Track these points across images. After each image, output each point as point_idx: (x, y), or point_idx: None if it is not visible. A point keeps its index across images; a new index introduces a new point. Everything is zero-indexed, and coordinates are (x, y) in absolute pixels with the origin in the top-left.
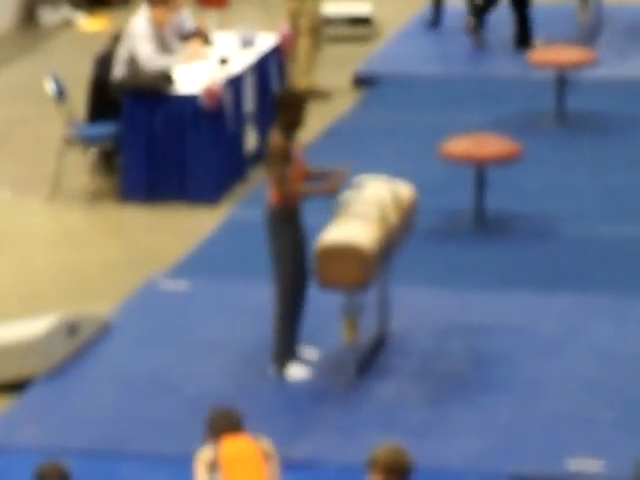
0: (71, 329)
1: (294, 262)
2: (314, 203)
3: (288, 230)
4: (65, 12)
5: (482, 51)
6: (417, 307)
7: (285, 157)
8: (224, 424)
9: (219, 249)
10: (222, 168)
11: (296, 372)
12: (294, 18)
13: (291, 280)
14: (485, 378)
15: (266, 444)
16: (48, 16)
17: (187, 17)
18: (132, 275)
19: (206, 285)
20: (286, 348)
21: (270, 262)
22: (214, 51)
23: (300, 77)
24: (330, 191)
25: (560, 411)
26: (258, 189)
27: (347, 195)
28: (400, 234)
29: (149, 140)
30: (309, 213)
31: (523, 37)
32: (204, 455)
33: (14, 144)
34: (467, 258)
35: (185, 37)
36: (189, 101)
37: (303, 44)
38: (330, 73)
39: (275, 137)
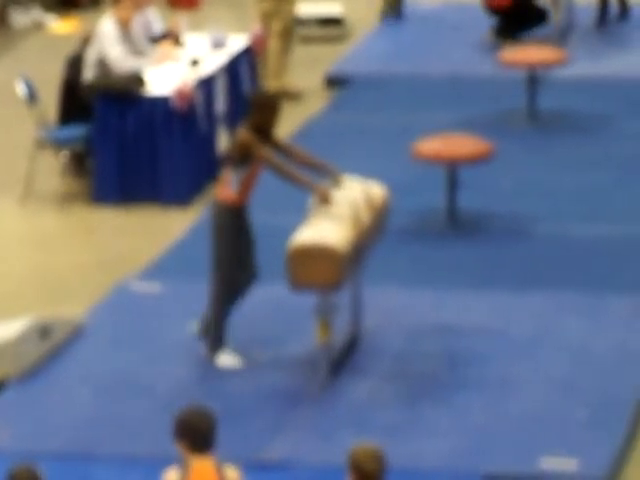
0: (43, 332)
1: (233, 260)
2: (285, 204)
3: (234, 228)
4: (36, 14)
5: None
6: (390, 307)
7: (247, 153)
8: (196, 427)
9: (191, 250)
10: (194, 169)
11: (226, 360)
12: (266, 19)
13: (228, 276)
14: (458, 378)
15: (231, 472)
16: (19, 18)
17: (155, 18)
18: (104, 277)
19: (178, 286)
20: (218, 337)
21: (211, 255)
22: (185, 52)
23: (271, 78)
24: (321, 198)
25: (533, 410)
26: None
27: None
28: (372, 234)
29: (120, 142)
30: (281, 213)
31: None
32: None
33: None
34: (439, 258)
35: (155, 39)
36: (160, 103)
37: (274, 45)
38: (301, 74)
39: (241, 134)
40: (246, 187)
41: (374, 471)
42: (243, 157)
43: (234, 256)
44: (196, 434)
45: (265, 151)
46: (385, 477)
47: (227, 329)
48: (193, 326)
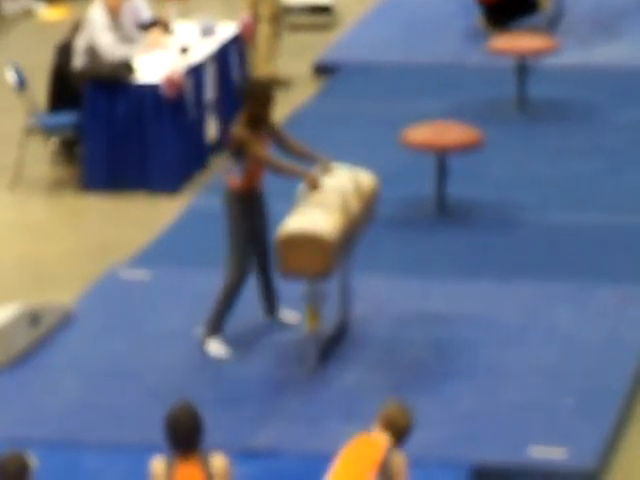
0: (33, 319)
1: (247, 246)
2: (275, 191)
3: (244, 213)
4: (25, 2)
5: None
6: (378, 295)
7: (247, 145)
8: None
9: (180, 238)
10: (183, 157)
11: (216, 348)
12: (255, 6)
13: (242, 264)
14: (446, 366)
15: (218, 461)
16: (8, 6)
17: (143, 5)
18: (93, 264)
19: (167, 274)
20: (217, 322)
21: (226, 241)
22: (174, 40)
23: (260, 65)
24: (310, 184)
25: (522, 399)
26: (219, 178)
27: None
28: (361, 222)
29: (110, 129)
30: (270, 201)
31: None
32: (156, 470)
33: None
34: (428, 246)
35: (144, 26)
36: (150, 90)
37: (263, 32)
38: (290, 61)
39: (237, 131)
40: (251, 173)
41: (407, 426)
42: (240, 151)
43: (247, 241)
44: (175, 435)
45: (258, 149)
46: (408, 436)
47: (228, 318)
48: (199, 330)
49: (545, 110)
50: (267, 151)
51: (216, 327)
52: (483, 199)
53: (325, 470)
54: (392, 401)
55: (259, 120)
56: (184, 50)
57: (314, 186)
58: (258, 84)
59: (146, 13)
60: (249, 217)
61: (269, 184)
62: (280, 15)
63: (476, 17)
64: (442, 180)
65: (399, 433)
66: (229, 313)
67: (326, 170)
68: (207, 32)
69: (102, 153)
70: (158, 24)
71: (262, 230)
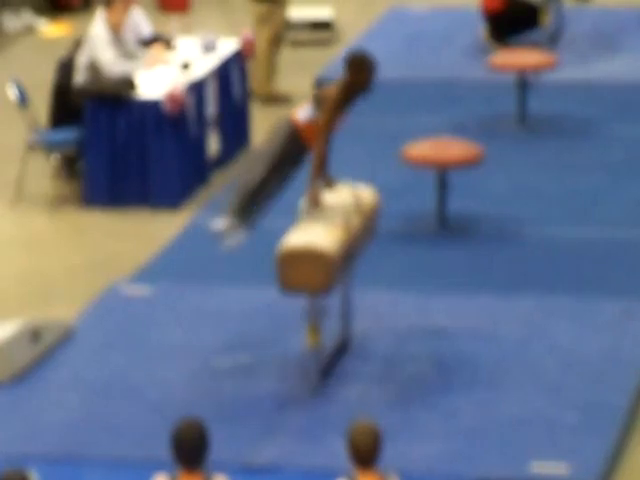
0: (34, 335)
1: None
2: (275, 206)
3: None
4: (27, 18)
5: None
6: (379, 310)
7: (337, 112)
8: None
9: (181, 254)
10: (184, 173)
11: (231, 234)
12: (260, 23)
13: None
14: (448, 381)
15: None
16: (10, 22)
17: (142, 20)
18: (94, 280)
19: (168, 290)
20: (247, 208)
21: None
22: (176, 56)
23: (261, 82)
24: (312, 201)
25: (523, 414)
26: (220, 194)
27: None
28: (362, 238)
29: (111, 145)
30: (271, 216)
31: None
32: None
33: None
34: (430, 261)
35: (145, 42)
36: (151, 106)
37: (263, 51)
38: (291, 77)
39: (333, 89)
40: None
41: (366, 446)
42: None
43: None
44: (181, 450)
45: (321, 141)
46: (380, 454)
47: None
48: (219, 223)
49: (546, 125)
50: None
51: (243, 214)
52: (484, 214)
53: None
54: (356, 424)
55: (357, 91)
56: (185, 66)
57: (315, 203)
58: (360, 55)
59: (147, 29)
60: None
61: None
62: (281, 34)
63: (481, 29)
64: (443, 195)
65: (362, 457)
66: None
67: (327, 185)
68: (208, 48)
69: (103, 169)
70: (159, 40)
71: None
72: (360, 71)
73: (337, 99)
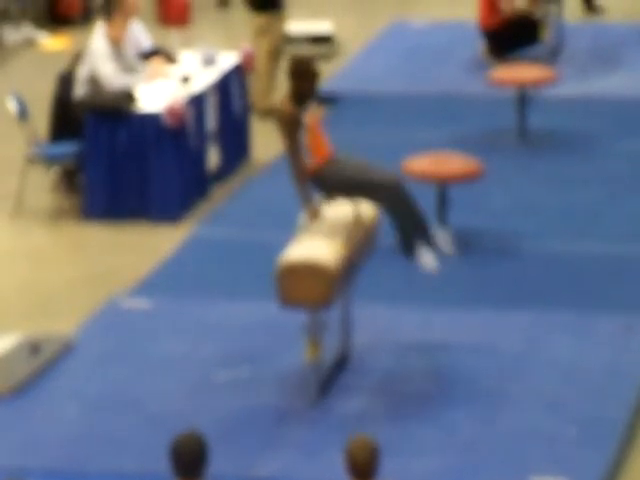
0: (34, 348)
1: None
2: (275, 220)
3: (339, 181)
4: (27, 31)
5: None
6: (379, 325)
7: (294, 124)
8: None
9: (181, 267)
10: (184, 186)
11: (429, 259)
12: (259, 36)
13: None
14: (447, 396)
15: None
16: (10, 35)
17: (142, 33)
18: (94, 293)
19: (168, 303)
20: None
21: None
22: (176, 69)
23: (261, 96)
24: (311, 215)
25: (522, 428)
26: (220, 207)
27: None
28: (362, 252)
29: (111, 159)
30: (270, 230)
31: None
32: None
33: None
34: (429, 276)
35: (145, 56)
36: (151, 120)
37: (263, 65)
38: None
39: (283, 105)
40: (315, 147)
41: (364, 460)
42: (292, 130)
43: (363, 187)
44: (180, 463)
45: (292, 134)
46: (377, 468)
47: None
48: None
49: (545, 140)
50: (303, 137)
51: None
52: (484, 228)
53: None
54: (354, 439)
55: (305, 97)
56: (185, 80)
57: (315, 216)
58: (300, 61)
59: (147, 42)
60: (345, 179)
61: (269, 213)
62: (280, 47)
63: (479, 46)
64: (443, 210)
65: (360, 471)
66: (415, 222)
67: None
68: (208, 62)
69: (103, 182)
70: (159, 53)
71: (368, 170)
72: (303, 78)
73: (288, 114)
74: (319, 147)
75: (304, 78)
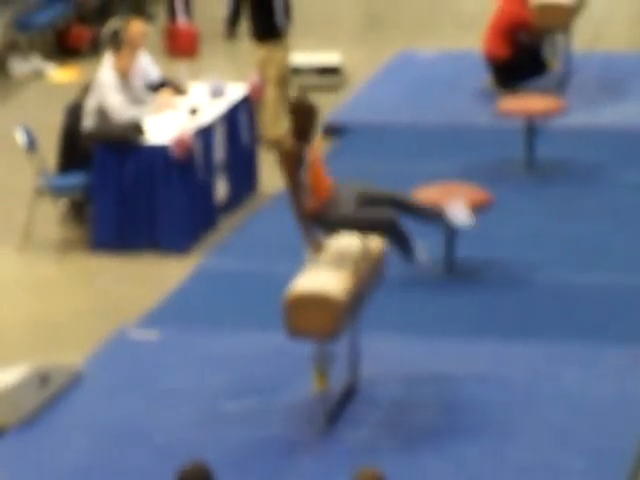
0: (42, 379)
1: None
2: (283, 252)
3: (346, 214)
4: (36, 63)
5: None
6: (387, 355)
7: (295, 161)
8: None
9: (189, 298)
10: (192, 218)
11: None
12: (262, 67)
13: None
14: (455, 427)
15: None
16: (19, 67)
17: (150, 65)
18: (102, 324)
19: (176, 335)
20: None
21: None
22: (184, 101)
23: (269, 127)
24: (314, 247)
25: (531, 460)
26: (228, 238)
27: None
28: (370, 283)
29: (119, 190)
30: (278, 261)
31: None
32: None
33: None
34: (437, 306)
35: (153, 87)
36: (159, 151)
37: (270, 94)
38: None
39: (286, 142)
40: (316, 186)
41: None
42: (293, 167)
43: (376, 216)
44: None
45: (290, 169)
46: None
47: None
48: (423, 253)
49: (554, 170)
50: (303, 174)
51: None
52: (492, 259)
53: None
54: (362, 470)
55: (306, 133)
56: (193, 111)
57: (318, 250)
58: (300, 100)
59: (155, 74)
60: (343, 221)
61: (276, 244)
62: (286, 75)
63: (485, 78)
64: (451, 240)
65: None
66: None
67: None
68: (216, 93)
69: (111, 214)
70: (168, 85)
71: (372, 195)
72: (303, 115)
73: (289, 151)
74: (319, 186)
75: (303, 115)
